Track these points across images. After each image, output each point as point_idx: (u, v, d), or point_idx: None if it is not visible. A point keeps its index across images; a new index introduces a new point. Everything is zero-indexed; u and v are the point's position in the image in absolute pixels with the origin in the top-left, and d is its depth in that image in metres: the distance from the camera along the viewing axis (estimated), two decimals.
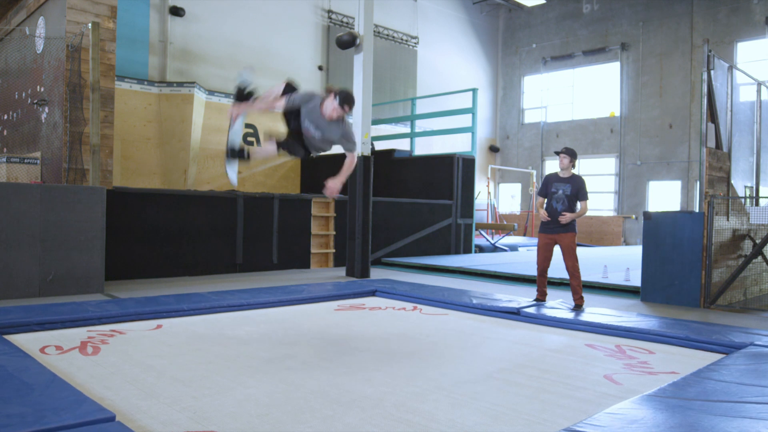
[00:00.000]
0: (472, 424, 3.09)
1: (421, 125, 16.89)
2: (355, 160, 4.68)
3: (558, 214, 6.28)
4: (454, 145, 18.47)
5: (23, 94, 8.87)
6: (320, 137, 4.52)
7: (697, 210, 9.12)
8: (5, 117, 9.61)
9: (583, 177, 6.54)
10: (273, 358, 4.26)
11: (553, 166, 21.06)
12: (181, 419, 3.05)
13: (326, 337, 5.02)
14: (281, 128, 4.66)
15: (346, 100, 4.42)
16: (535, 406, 3.40)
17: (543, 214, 6.35)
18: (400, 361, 4.28)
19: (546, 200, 6.47)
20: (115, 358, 4.18)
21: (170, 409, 3.19)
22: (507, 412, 3.28)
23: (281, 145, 4.64)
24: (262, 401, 3.35)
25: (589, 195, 6.42)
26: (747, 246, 7.72)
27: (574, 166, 6.42)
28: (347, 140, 4.61)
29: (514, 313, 5.94)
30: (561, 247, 6.32)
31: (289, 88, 4.60)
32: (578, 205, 6.34)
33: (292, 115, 4.50)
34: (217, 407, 3.23)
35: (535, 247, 7.06)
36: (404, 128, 17.06)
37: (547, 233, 6.38)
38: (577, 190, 6.29)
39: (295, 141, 4.55)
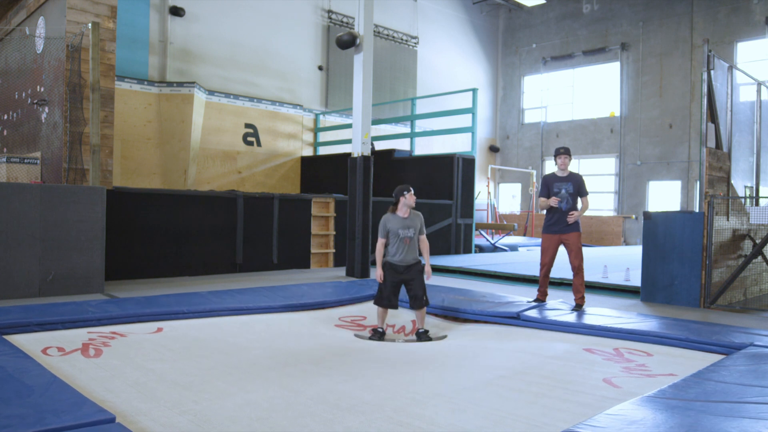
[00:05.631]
0: (472, 428, 3.09)
1: (421, 125, 16.88)
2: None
3: (562, 213, 6.27)
4: (454, 145, 18.46)
5: (23, 94, 8.86)
6: (410, 230, 5.58)
7: (697, 210, 9.11)
8: (5, 117, 9.60)
9: (582, 175, 6.53)
10: (273, 365, 4.25)
11: (553, 165, 21.02)
12: (182, 422, 3.05)
13: (326, 346, 4.98)
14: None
15: (400, 191, 5.50)
16: (535, 410, 3.40)
17: (554, 200, 6.22)
18: (400, 370, 4.26)
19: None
20: (116, 361, 4.18)
21: (171, 412, 3.19)
22: (507, 416, 3.28)
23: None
24: (262, 406, 3.35)
25: (588, 192, 6.44)
26: (747, 246, 7.72)
27: None
28: (422, 223, 5.71)
29: (514, 317, 5.91)
30: (568, 246, 6.28)
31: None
32: (579, 201, 6.35)
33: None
34: (217, 411, 3.23)
35: (536, 247, 7.04)
36: (404, 128, 17.04)
37: (554, 233, 6.34)
38: (578, 186, 6.30)
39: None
